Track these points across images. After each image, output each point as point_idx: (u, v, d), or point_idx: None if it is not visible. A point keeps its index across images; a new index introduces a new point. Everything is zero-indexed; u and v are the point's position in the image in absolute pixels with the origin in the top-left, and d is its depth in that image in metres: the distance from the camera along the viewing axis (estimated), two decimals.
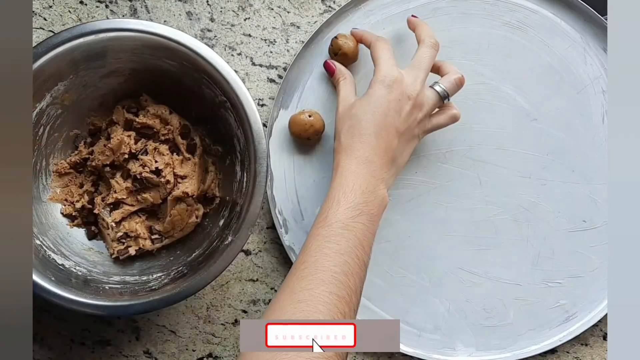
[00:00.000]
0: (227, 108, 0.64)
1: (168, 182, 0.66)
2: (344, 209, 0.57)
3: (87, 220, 0.69)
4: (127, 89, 0.68)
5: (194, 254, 0.67)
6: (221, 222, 0.67)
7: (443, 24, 0.71)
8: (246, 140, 0.63)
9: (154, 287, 0.63)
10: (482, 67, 0.71)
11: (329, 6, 0.72)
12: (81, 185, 0.69)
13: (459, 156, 0.71)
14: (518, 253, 0.70)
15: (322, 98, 0.70)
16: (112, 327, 0.71)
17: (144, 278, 0.66)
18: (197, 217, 0.68)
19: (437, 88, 0.64)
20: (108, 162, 0.67)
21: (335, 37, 0.69)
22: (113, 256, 0.68)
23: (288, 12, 0.72)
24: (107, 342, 0.71)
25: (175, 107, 0.69)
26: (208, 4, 0.72)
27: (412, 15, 0.68)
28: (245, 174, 0.65)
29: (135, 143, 0.67)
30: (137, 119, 0.67)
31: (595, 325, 0.70)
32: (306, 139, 0.69)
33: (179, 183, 0.67)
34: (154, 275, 0.66)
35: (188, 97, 0.68)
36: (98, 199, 0.68)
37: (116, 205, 0.68)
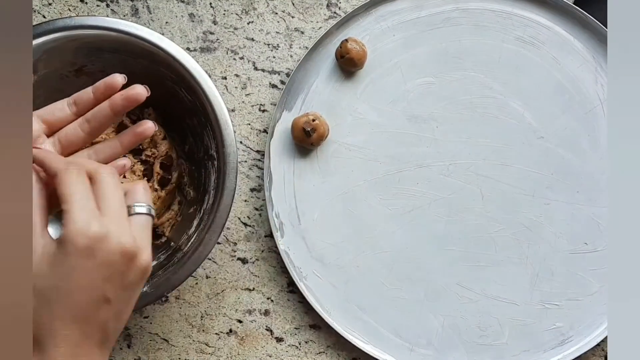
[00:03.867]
0: (214, 165, 0.64)
1: None
2: None
3: None
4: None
5: None
6: (153, 263, 0.65)
7: (454, 34, 0.69)
8: (213, 205, 0.62)
9: None
10: (492, 81, 0.69)
11: (334, 12, 0.71)
12: None
13: (462, 170, 0.69)
14: (517, 272, 0.69)
15: (327, 101, 0.69)
16: None
17: None
18: None
19: (140, 210, 0.46)
20: None
21: (346, 40, 0.67)
22: None
23: (292, 17, 0.71)
24: None
25: (178, 134, 0.68)
26: (211, 6, 0.71)
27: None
28: (196, 232, 0.64)
29: None
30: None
31: (591, 350, 0.69)
32: (309, 144, 0.68)
33: None
34: None
35: (186, 130, 0.67)
36: None
37: None
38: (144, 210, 0.46)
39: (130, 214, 0.46)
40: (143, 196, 0.47)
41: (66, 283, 0.42)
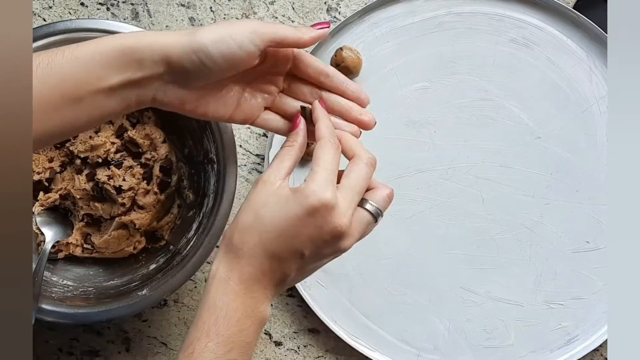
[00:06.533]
0: (213, 169, 0.64)
1: (123, 204, 0.64)
2: (214, 344, 0.48)
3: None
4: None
5: (110, 282, 0.65)
6: (152, 267, 0.66)
7: (448, 38, 0.70)
8: (212, 208, 0.62)
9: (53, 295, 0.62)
10: (487, 84, 0.70)
11: (334, 17, 0.71)
12: (51, 160, 0.66)
13: (461, 173, 0.69)
14: (520, 273, 0.69)
15: None
16: (102, 337, 0.69)
17: (54, 278, 0.64)
18: (134, 249, 0.66)
19: (370, 208, 0.50)
20: (82, 156, 0.65)
21: (340, 49, 0.68)
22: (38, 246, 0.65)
23: (292, 22, 0.71)
24: (96, 353, 0.69)
25: (178, 138, 0.68)
26: (211, 10, 0.71)
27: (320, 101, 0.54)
28: (196, 235, 0.63)
29: (116, 152, 0.66)
30: (129, 131, 0.66)
31: (597, 349, 0.69)
32: (308, 155, 0.68)
33: (134, 211, 0.65)
34: (64, 282, 0.64)
35: (185, 134, 0.67)
36: (58, 180, 0.66)
37: (65, 197, 0.66)
38: (372, 210, 0.50)
39: (360, 205, 0.49)
40: (382, 200, 0.50)
41: (281, 223, 0.47)
